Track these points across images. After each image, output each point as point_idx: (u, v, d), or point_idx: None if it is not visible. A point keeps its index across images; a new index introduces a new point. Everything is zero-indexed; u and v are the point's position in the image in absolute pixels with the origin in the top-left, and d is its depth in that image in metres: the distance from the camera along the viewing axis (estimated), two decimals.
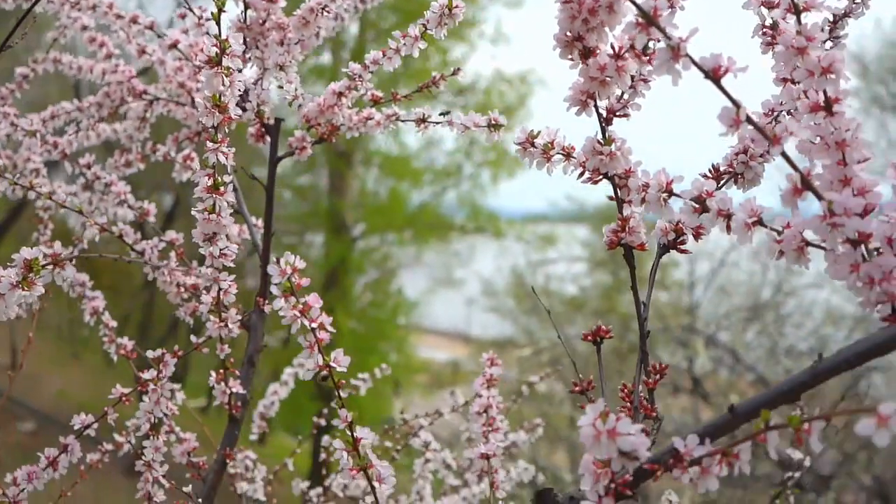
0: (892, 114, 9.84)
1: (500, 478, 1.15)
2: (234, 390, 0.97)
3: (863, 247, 0.53)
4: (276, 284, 0.61)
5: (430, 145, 14.22)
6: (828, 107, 0.54)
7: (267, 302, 0.97)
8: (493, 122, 0.84)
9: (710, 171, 0.69)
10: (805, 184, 0.52)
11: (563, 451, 7.23)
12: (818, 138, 0.54)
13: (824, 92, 0.53)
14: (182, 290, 1.02)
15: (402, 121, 0.97)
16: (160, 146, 1.20)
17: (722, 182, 0.69)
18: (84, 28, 1.20)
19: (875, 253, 0.52)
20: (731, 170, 0.69)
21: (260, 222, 1.09)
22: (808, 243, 0.54)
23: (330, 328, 0.63)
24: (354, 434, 0.65)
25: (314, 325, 0.62)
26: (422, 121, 0.95)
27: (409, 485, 1.39)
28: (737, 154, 0.69)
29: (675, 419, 7.04)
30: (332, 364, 0.63)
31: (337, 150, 12.43)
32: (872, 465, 5.82)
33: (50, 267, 0.66)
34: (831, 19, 0.73)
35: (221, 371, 0.96)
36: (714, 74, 0.51)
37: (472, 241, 13.10)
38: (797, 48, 0.53)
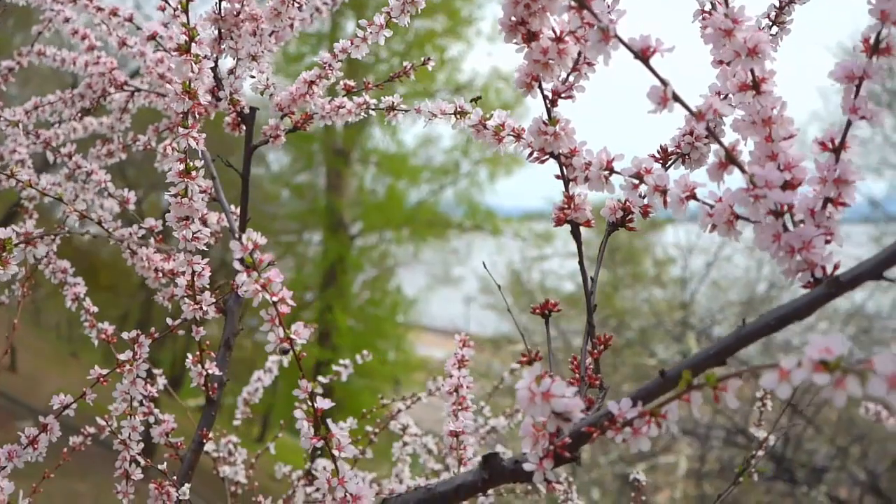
0: (888, 110, 9.85)
1: (469, 454, 1.18)
2: (210, 372, 1.00)
3: (788, 218, 0.56)
4: (238, 260, 0.64)
5: (427, 143, 14.23)
6: (755, 86, 0.56)
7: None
8: (458, 109, 0.87)
9: (657, 151, 0.72)
10: (730, 158, 0.54)
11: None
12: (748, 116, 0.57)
13: (752, 72, 0.56)
14: (160, 275, 1.05)
15: (373, 109, 1.00)
16: (140, 136, 1.22)
17: (670, 162, 0.72)
18: (67, 20, 1.23)
19: (800, 224, 0.55)
20: (678, 150, 0.72)
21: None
22: (737, 216, 0.57)
23: (290, 302, 0.66)
24: (315, 405, 0.68)
25: (275, 298, 0.65)
26: (391, 109, 0.98)
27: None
28: (683, 135, 0.71)
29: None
30: (293, 336, 0.66)
31: (334, 148, 12.47)
32: (866, 459, 5.85)
33: (22, 245, 0.69)
34: (778, 4, 0.76)
35: (198, 353, 0.99)
36: (643, 55, 0.53)
37: (470, 239, 13.13)
38: (724, 30, 0.56)
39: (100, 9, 1.14)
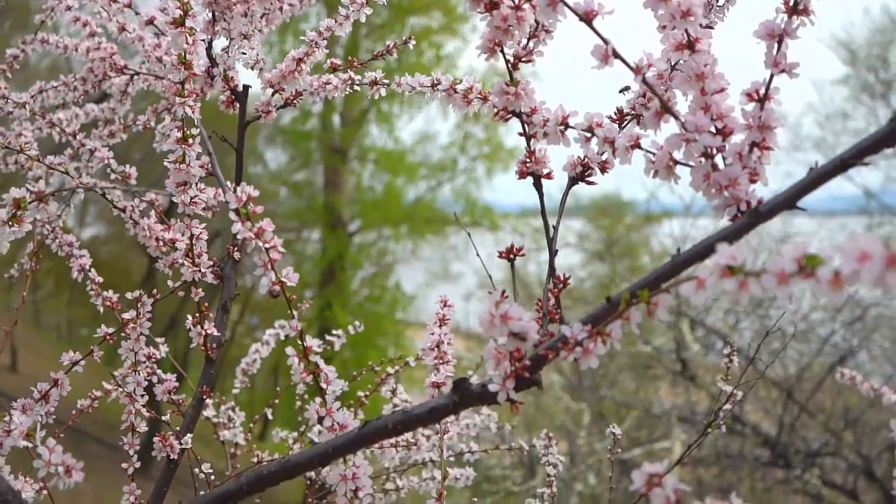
0: (881, 101, 9.91)
1: (459, 428, 1.25)
2: (208, 332, 1.07)
3: (721, 161, 0.63)
4: (233, 210, 0.71)
5: (424, 140, 14.29)
6: (690, 45, 0.63)
7: (237, 250, 1.07)
8: (435, 82, 0.94)
9: (615, 112, 0.79)
10: (665, 108, 0.61)
11: (561, 442, 7.35)
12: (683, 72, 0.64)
13: (686, 32, 0.63)
14: (161, 244, 1.12)
15: (358, 84, 1.07)
16: (140, 117, 1.29)
17: (626, 122, 0.79)
18: (69, 8, 1.30)
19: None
20: (633, 112, 0.78)
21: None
22: (675, 161, 0.64)
23: (281, 249, 0.73)
24: (305, 343, 0.75)
25: (267, 245, 0.72)
26: (374, 83, 1.05)
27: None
28: (637, 98, 0.78)
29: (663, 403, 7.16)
30: (284, 279, 0.73)
31: (332, 146, 12.52)
32: (860, 443, 5.93)
33: (35, 203, 0.76)
34: None
35: (197, 315, 1.06)
36: (587, 17, 0.60)
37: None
38: None
39: None
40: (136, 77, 1.29)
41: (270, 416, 1.47)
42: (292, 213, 12.72)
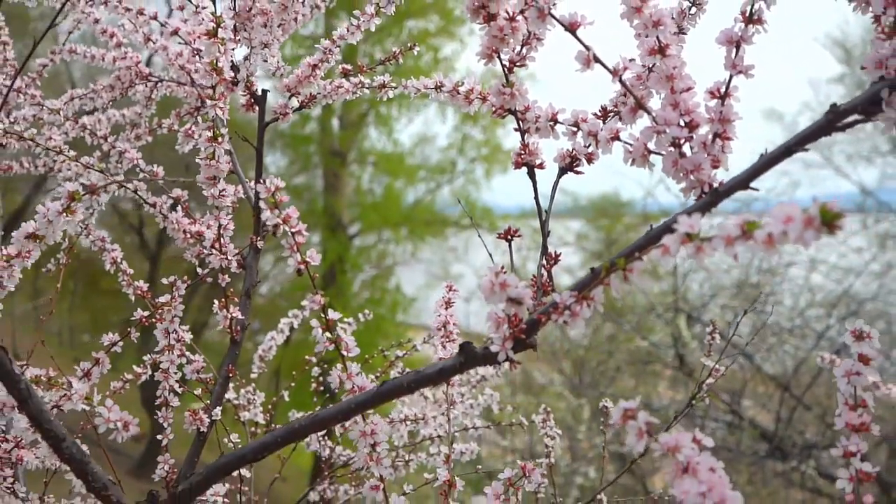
0: None
1: (464, 408, 1.34)
2: (234, 316, 1.17)
3: (688, 149, 0.73)
4: (262, 199, 0.81)
5: (423, 142, 14.38)
6: (661, 50, 0.74)
7: (260, 239, 1.17)
8: (438, 84, 1.04)
9: (599, 110, 0.89)
10: (639, 104, 0.71)
11: (563, 446, 7.44)
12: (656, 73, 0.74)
13: (657, 39, 0.73)
14: (188, 236, 1.22)
15: (367, 87, 1.17)
16: (165, 120, 1.39)
17: (609, 118, 0.89)
18: (96, 21, 1.40)
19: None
20: (615, 109, 0.89)
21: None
22: (649, 151, 0.74)
23: (305, 233, 0.83)
24: (328, 317, 0.85)
25: (294, 230, 0.82)
26: (383, 86, 1.15)
27: None
28: (618, 97, 0.88)
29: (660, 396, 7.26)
30: (308, 259, 0.83)
31: (331, 150, 12.62)
32: None
33: (89, 195, 0.86)
34: None
35: (223, 299, 1.16)
36: (572, 27, 0.71)
37: (468, 237, 13.29)
38: (635, 8, 0.73)
39: (128, 9, 1.31)
40: (159, 84, 1.39)
41: (287, 398, 1.57)
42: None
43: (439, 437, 1.39)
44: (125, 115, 1.52)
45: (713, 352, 1.38)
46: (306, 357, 1.61)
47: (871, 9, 0.67)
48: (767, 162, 0.66)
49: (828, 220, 0.48)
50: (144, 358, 1.35)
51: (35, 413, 0.77)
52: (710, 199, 0.68)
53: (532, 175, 0.84)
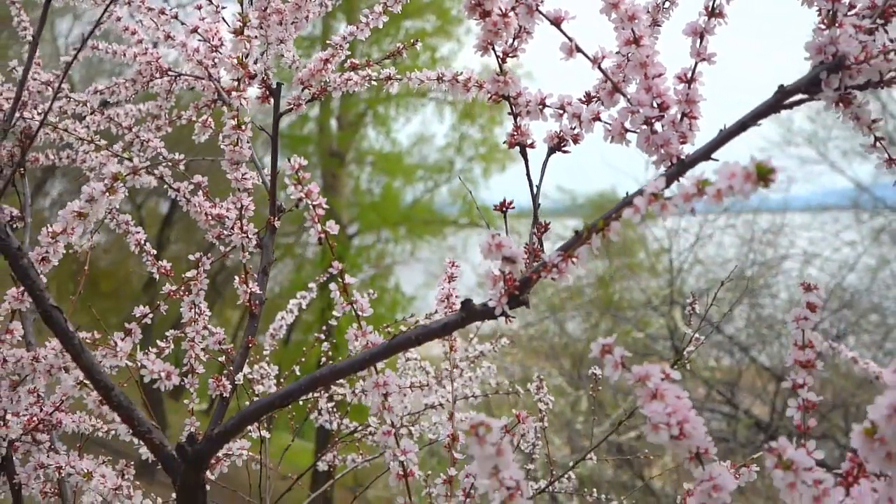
0: (871, 93, 10.11)
1: (463, 380, 1.44)
2: (253, 291, 1.27)
3: (659, 126, 0.83)
4: (287, 176, 0.92)
5: (421, 142, 14.46)
6: (636, 41, 0.84)
7: (277, 219, 1.27)
8: (440, 76, 1.14)
9: (584, 95, 1.00)
10: (615, 88, 0.82)
11: (562, 440, 7.55)
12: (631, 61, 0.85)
13: (632, 31, 0.84)
14: (209, 217, 1.33)
15: (374, 80, 1.28)
16: (183, 112, 1.50)
17: (592, 102, 0.99)
18: (119, 19, 1.50)
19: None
20: (597, 94, 0.99)
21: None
22: (626, 129, 0.85)
23: (325, 206, 0.93)
24: (345, 280, 0.95)
25: (315, 203, 0.93)
26: (389, 78, 1.26)
27: None
28: (600, 83, 0.99)
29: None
30: (327, 229, 0.94)
31: (330, 150, 12.71)
32: (848, 425, 6.15)
33: (131, 175, 0.96)
34: None
35: (244, 275, 1.26)
36: (556, 21, 0.81)
37: (466, 236, 13.39)
38: (612, 4, 0.83)
39: (150, 8, 1.42)
40: (178, 78, 1.50)
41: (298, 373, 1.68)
42: (291, 216, 12.84)
43: (440, 405, 1.50)
44: (140, 110, 1.62)
45: (692, 324, 1.49)
46: (315, 335, 1.71)
47: (815, 3, 0.78)
48: (725, 136, 0.77)
49: (763, 175, 0.58)
50: (167, 333, 1.45)
51: (87, 365, 0.87)
52: (676, 169, 0.78)
53: (524, 153, 0.95)
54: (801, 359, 0.82)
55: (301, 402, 1.77)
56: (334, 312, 0.97)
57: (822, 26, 0.75)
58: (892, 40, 0.76)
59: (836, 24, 0.74)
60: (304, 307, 1.76)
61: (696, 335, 1.45)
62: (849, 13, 0.77)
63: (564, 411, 7.46)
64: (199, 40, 1.38)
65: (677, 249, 7.62)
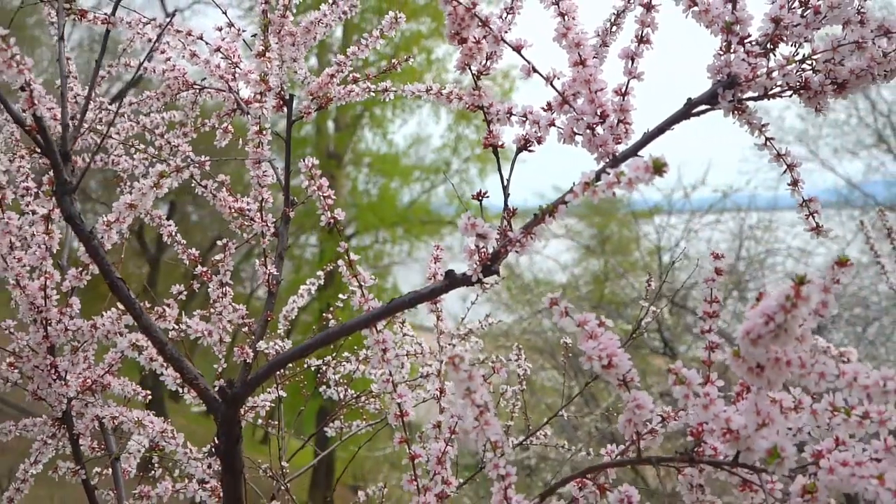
0: (861, 93, 10.36)
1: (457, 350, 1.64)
2: (271, 272, 1.49)
3: (600, 130, 1.05)
4: (302, 172, 1.13)
5: (417, 143, 14.65)
6: (582, 62, 1.06)
7: (292, 210, 1.49)
8: (428, 88, 1.36)
9: (546, 105, 1.21)
10: (564, 100, 1.04)
11: (555, 431, 7.77)
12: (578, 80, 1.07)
13: (578, 55, 1.06)
14: (232, 210, 1.54)
15: (374, 92, 1.50)
16: (206, 120, 1.72)
17: (552, 112, 1.21)
18: (149, 40, 1.72)
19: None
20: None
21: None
22: (574, 132, 1.07)
23: (333, 196, 1.15)
24: (350, 258, 1.17)
25: (325, 195, 1.15)
26: (386, 90, 1.48)
27: None
28: (556, 97, 1.21)
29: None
30: (335, 216, 1.15)
31: (327, 152, 12.91)
32: None
33: (175, 173, 1.18)
34: (615, 12, 1.25)
35: (262, 259, 1.48)
36: (517, 48, 1.03)
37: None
38: (562, 34, 1.05)
39: (178, 30, 1.64)
40: (202, 91, 1.72)
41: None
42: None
43: (431, 374, 1.71)
44: (164, 118, 1.84)
45: (648, 298, 1.70)
46: (324, 314, 1.92)
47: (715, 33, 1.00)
48: (646, 139, 0.99)
49: (658, 168, 0.80)
50: (195, 313, 1.66)
51: (146, 325, 1.09)
52: (611, 163, 1.00)
53: (496, 152, 1.17)
54: (707, 310, 1.04)
55: (312, 368, 1.98)
56: (338, 303, 1.18)
57: (720, 52, 0.97)
58: (784, 57, 0.98)
59: (731, 51, 0.97)
60: (313, 293, 1.98)
61: (652, 308, 1.67)
62: (746, 39, 0.99)
63: (557, 403, 7.69)
64: (221, 58, 1.60)
65: (667, 245, 7.86)
